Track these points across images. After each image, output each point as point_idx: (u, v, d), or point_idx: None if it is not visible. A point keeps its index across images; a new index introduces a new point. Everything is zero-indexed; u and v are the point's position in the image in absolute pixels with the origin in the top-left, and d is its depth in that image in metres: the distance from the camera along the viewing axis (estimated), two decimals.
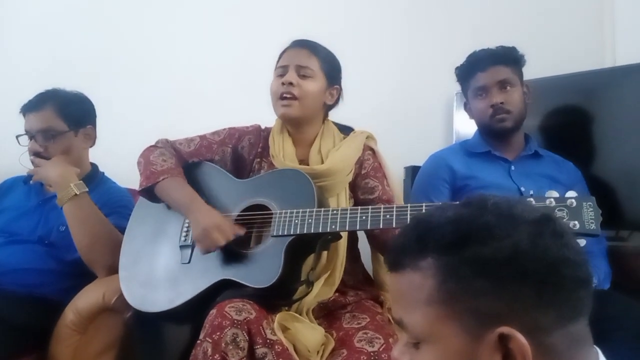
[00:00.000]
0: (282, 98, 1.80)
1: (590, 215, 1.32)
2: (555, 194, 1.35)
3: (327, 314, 1.76)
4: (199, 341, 1.47)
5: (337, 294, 1.77)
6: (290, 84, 1.78)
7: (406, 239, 0.80)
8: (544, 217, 0.76)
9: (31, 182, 2.11)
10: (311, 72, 1.81)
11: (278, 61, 1.87)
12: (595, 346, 0.79)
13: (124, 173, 2.15)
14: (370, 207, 1.59)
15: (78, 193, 1.95)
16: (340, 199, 1.81)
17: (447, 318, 0.74)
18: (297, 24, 2.52)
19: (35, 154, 2.08)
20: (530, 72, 2.12)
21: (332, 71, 1.86)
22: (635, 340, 1.67)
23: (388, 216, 1.53)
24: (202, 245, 1.67)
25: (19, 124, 2.11)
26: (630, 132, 2.20)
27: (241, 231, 1.69)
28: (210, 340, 1.44)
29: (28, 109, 2.10)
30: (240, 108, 2.18)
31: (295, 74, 1.79)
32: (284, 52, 1.87)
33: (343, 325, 1.63)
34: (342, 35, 2.68)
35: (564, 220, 1.31)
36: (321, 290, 1.73)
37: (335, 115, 1.98)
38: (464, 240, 0.74)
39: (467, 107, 2.16)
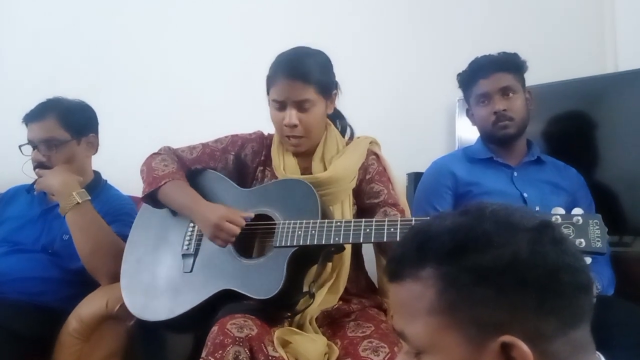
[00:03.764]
0: (289, 137, 1.78)
1: (597, 233, 1.29)
2: (562, 211, 1.32)
3: (331, 322, 1.75)
4: (201, 359, 1.46)
5: (340, 302, 1.77)
6: (294, 126, 1.75)
7: (405, 249, 0.80)
8: (543, 224, 0.76)
9: (35, 192, 2.12)
10: (310, 103, 1.75)
11: (270, 87, 1.79)
12: (597, 352, 0.79)
13: (127, 180, 2.16)
14: (374, 219, 1.59)
15: (80, 201, 1.96)
16: (345, 207, 1.80)
17: (449, 328, 0.74)
18: (297, 33, 2.52)
19: (39, 164, 2.08)
20: (532, 78, 2.11)
21: (327, 86, 1.81)
22: (639, 346, 1.67)
23: (392, 229, 1.52)
24: (220, 241, 1.68)
25: (21, 133, 2.12)
26: (633, 138, 2.20)
27: (250, 214, 1.71)
28: (212, 359, 1.44)
29: (30, 118, 2.10)
30: (241, 117, 2.18)
31: (296, 111, 1.74)
32: (274, 78, 1.76)
33: (347, 334, 1.62)
34: (344, 43, 2.69)
35: (570, 237, 1.28)
36: (325, 299, 1.72)
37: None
38: (463, 249, 0.74)
39: (469, 113, 2.16)
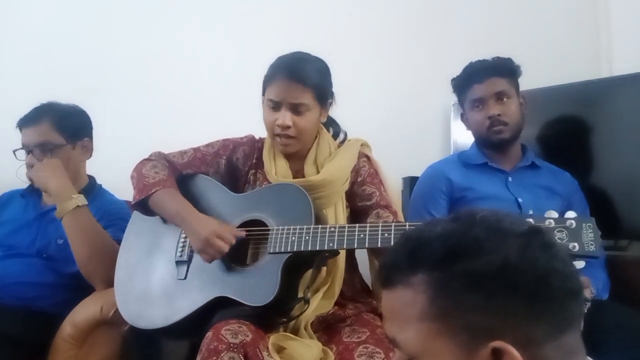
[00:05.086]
0: (279, 136, 1.78)
1: (590, 236, 1.28)
2: (555, 214, 1.32)
3: (326, 327, 1.74)
4: None
5: (336, 307, 1.76)
6: (287, 127, 1.75)
7: (397, 256, 0.80)
8: (532, 230, 0.77)
9: (34, 187, 2.08)
10: (306, 107, 1.75)
11: (267, 87, 1.79)
12: (588, 357, 0.79)
13: (122, 185, 2.15)
14: (368, 224, 1.59)
15: (80, 205, 1.95)
16: (338, 209, 1.80)
17: (440, 334, 0.74)
18: (292, 36, 2.53)
19: None
20: (527, 82, 2.12)
21: (324, 93, 1.81)
22: (634, 350, 1.67)
23: (386, 234, 1.52)
24: (207, 256, 1.66)
25: (15, 138, 2.11)
26: (627, 142, 2.21)
27: (242, 233, 1.69)
28: None
29: (25, 123, 2.09)
30: (237, 121, 2.18)
31: (290, 113, 1.75)
32: (273, 78, 1.77)
33: (343, 339, 1.61)
34: (340, 46, 2.69)
35: (564, 241, 1.28)
36: (320, 304, 1.71)
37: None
38: (453, 255, 0.74)
39: (463, 118, 2.17)
